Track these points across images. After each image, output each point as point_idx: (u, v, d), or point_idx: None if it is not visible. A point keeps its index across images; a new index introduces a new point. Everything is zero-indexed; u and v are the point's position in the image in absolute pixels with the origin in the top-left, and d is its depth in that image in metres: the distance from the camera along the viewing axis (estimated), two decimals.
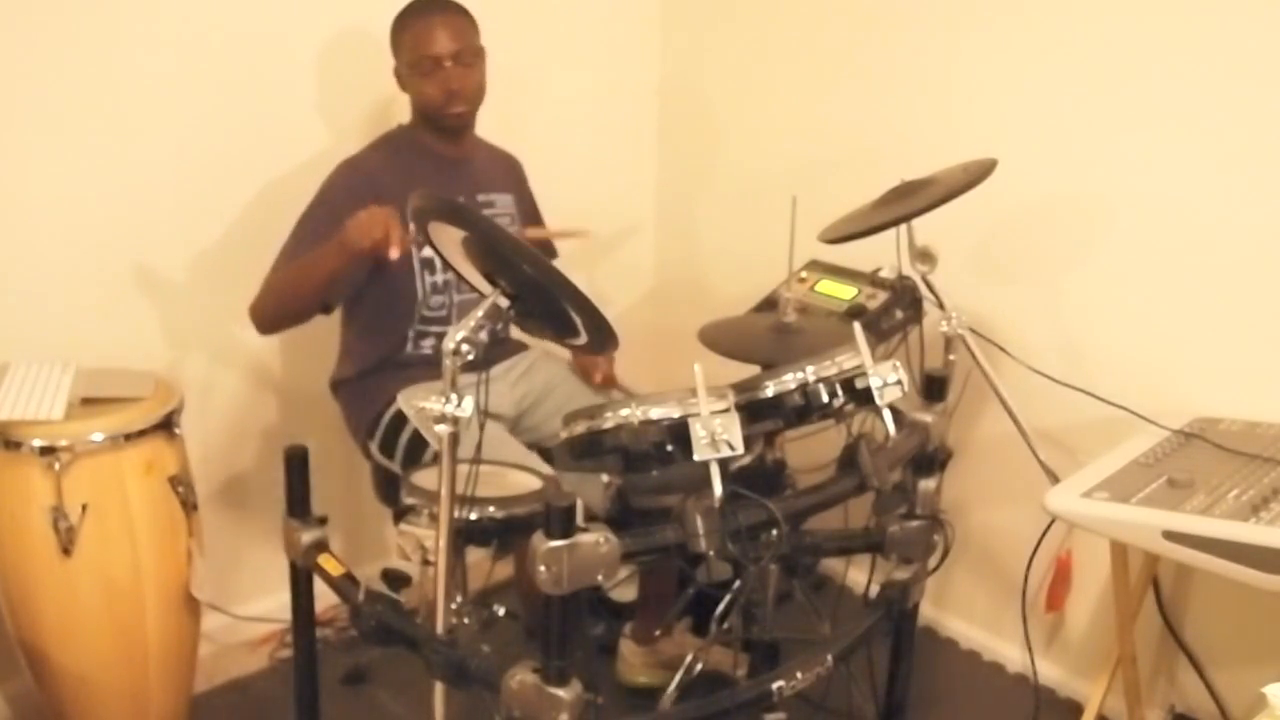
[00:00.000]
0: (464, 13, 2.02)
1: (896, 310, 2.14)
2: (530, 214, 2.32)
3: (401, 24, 2.02)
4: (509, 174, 2.28)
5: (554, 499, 1.32)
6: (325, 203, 1.96)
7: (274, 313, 1.96)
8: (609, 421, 1.54)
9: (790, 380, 1.58)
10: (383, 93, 2.23)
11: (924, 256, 1.99)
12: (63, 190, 2.02)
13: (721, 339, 1.93)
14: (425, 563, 1.48)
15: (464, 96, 2.02)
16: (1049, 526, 2.10)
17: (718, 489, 1.44)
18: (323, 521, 1.76)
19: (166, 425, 1.90)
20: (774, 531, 1.52)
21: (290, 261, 1.95)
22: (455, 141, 2.10)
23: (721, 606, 1.86)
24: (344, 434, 2.16)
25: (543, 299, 1.42)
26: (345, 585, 1.66)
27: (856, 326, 1.63)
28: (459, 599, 1.53)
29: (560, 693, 1.35)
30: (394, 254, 1.70)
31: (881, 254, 2.09)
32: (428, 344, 2.08)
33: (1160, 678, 2.18)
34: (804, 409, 1.58)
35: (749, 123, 2.73)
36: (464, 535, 1.51)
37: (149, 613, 1.90)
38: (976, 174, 1.88)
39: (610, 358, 2.25)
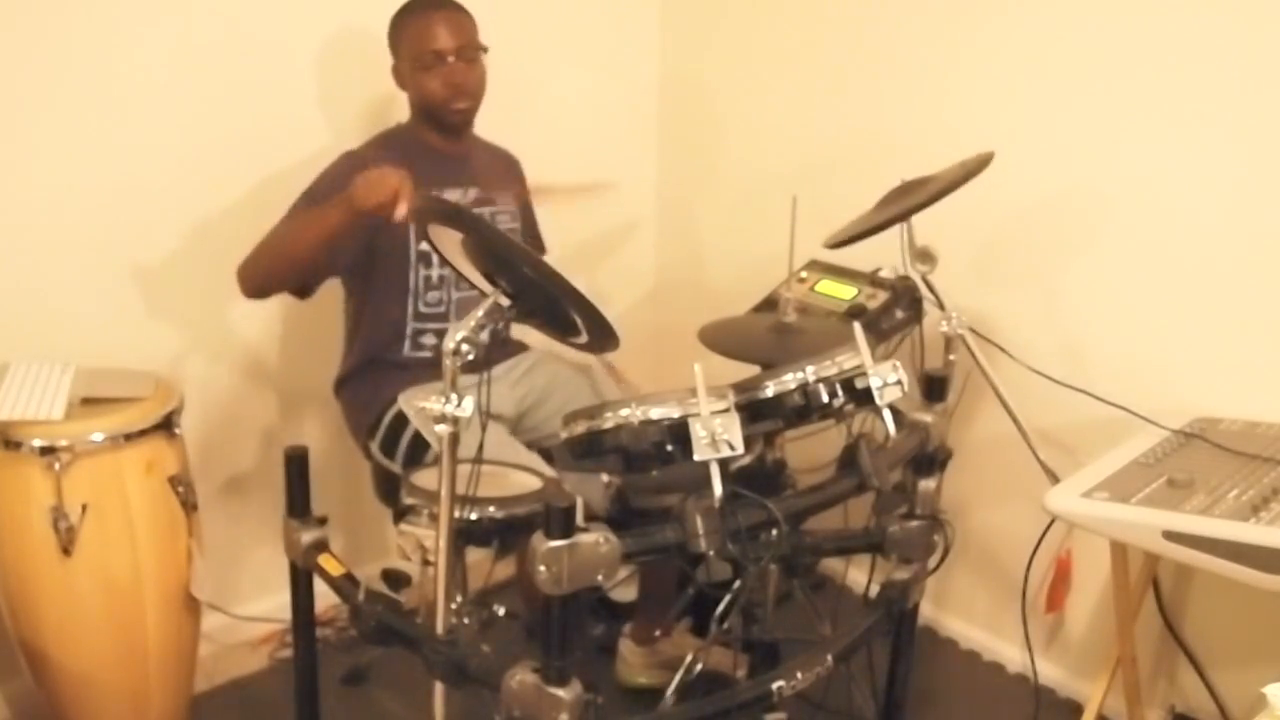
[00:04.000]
0: (464, 10, 2.03)
1: (896, 310, 2.14)
2: (527, 212, 2.32)
3: (403, 20, 2.03)
4: (508, 172, 2.28)
5: (554, 499, 1.32)
6: (322, 185, 1.95)
7: (264, 271, 1.90)
8: (609, 421, 1.54)
9: (790, 380, 1.58)
10: (381, 91, 2.23)
11: (924, 256, 1.99)
12: (63, 190, 2.03)
13: (721, 339, 1.93)
14: (425, 563, 1.48)
15: (467, 92, 2.03)
16: (1049, 526, 2.10)
17: (718, 489, 1.44)
18: (323, 521, 1.76)
19: (166, 425, 1.90)
20: (774, 531, 1.52)
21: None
22: (455, 139, 2.11)
23: (721, 606, 1.86)
24: (344, 434, 2.16)
25: (543, 299, 1.42)
26: (345, 585, 1.66)
27: (856, 326, 1.63)
28: (459, 599, 1.53)
29: (560, 693, 1.35)
30: (400, 213, 1.65)
31: (881, 254, 2.09)
32: (427, 342, 2.08)
33: (1160, 678, 2.18)
34: (804, 409, 1.58)
35: (749, 122, 2.73)
36: (464, 535, 1.51)
37: (149, 613, 1.90)
38: (974, 167, 1.88)
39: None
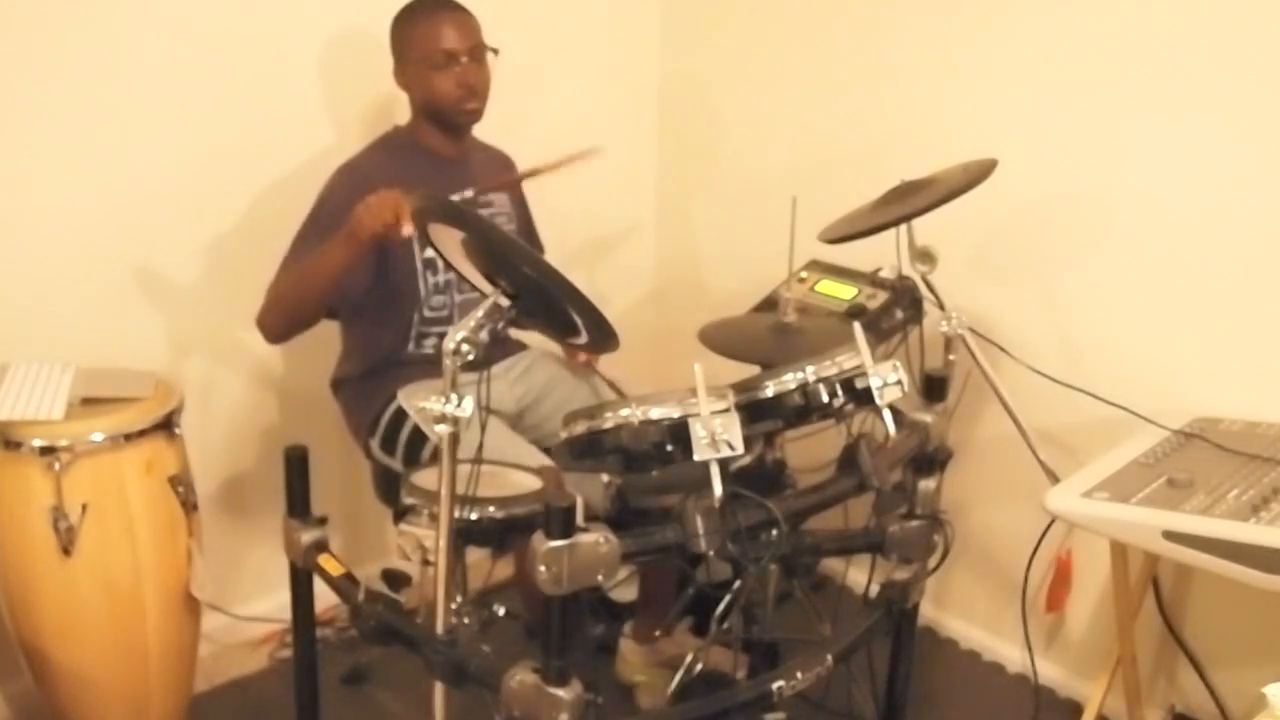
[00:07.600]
0: (469, 11, 2.02)
1: (896, 310, 2.14)
2: (523, 213, 2.32)
3: (408, 21, 2.01)
4: (504, 173, 2.28)
5: (554, 499, 1.32)
6: (325, 208, 1.96)
7: (282, 318, 1.94)
8: (609, 421, 1.54)
9: (790, 380, 1.58)
10: (383, 92, 2.23)
11: (924, 256, 1.99)
12: (63, 190, 2.02)
13: (721, 339, 1.93)
14: (425, 563, 1.48)
15: (478, 92, 2.02)
16: (1049, 526, 2.10)
17: (718, 489, 1.44)
18: (323, 521, 1.76)
19: (166, 425, 1.90)
20: (774, 531, 1.52)
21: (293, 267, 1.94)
22: (454, 141, 2.10)
23: (721, 606, 1.85)
24: (344, 434, 2.16)
25: (543, 299, 1.42)
26: (345, 585, 1.66)
27: (856, 326, 1.63)
28: (459, 599, 1.53)
29: (560, 693, 1.35)
30: (406, 231, 1.69)
31: (881, 254, 2.09)
32: (429, 344, 2.08)
33: (1160, 678, 2.18)
34: (804, 409, 1.58)
35: (749, 123, 2.73)
36: (464, 535, 1.51)
37: (149, 613, 1.90)
38: (977, 174, 1.88)
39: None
